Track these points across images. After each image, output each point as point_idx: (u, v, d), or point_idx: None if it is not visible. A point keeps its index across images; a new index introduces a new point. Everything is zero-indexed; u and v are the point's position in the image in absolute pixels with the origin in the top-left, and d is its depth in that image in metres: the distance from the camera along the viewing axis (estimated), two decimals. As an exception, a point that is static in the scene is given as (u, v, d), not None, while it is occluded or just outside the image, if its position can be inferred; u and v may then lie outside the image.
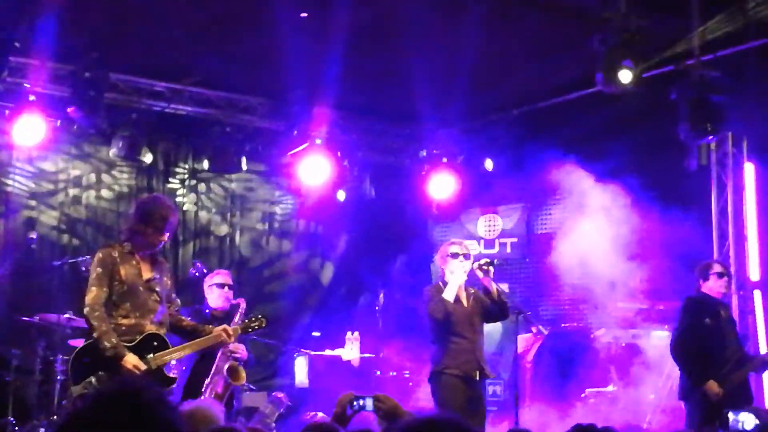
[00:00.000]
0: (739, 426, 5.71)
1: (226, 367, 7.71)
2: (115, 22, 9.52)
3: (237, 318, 7.73)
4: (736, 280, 10.00)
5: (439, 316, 7.94)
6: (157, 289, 6.70)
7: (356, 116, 12.23)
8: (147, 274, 6.70)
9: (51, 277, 10.22)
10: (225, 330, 6.87)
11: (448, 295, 7.98)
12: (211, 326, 7.02)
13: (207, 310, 8.46)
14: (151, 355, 6.49)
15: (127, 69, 10.84)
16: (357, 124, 12.39)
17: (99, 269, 6.55)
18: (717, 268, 8.45)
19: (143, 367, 6.38)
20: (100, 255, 6.64)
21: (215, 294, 8.49)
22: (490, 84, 10.62)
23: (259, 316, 7.19)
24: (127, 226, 6.86)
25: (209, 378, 7.69)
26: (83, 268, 9.38)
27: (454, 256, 8.15)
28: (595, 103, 10.42)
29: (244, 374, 7.79)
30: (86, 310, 6.47)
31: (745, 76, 9.71)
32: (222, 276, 8.65)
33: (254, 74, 10.96)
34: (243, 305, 7.94)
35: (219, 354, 7.69)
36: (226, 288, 8.50)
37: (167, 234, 6.78)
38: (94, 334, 6.38)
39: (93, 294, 6.48)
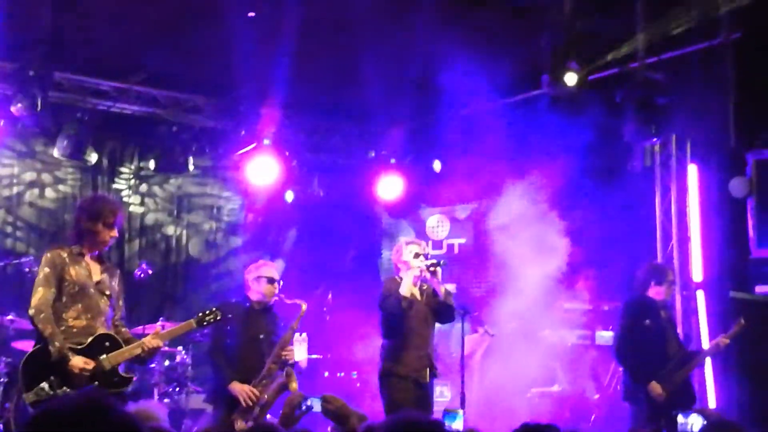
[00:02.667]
0: (688, 427, 5.79)
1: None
2: (60, 20, 9.40)
3: (295, 323, 7.79)
4: (680, 280, 10.12)
5: (395, 312, 7.92)
6: (107, 292, 6.61)
7: (305, 116, 12.19)
8: (97, 276, 6.59)
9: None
10: (155, 335, 6.70)
11: (404, 290, 7.94)
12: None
13: (247, 303, 8.06)
14: (104, 355, 6.38)
15: (72, 67, 10.71)
16: (305, 124, 12.36)
17: (47, 269, 6.43)
18: (671, 276, 8.60)
19: (90, 367, 6.27)
20: (49, 255, 6.52)
21: (262, 287, 8.01)
22: (438, 84, 10.63)
23: (214, 309, 7.08)
24: (75, 228, 6.73)
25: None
26: (26, 269, 9.27)
27: (416, 256, 8.13)
28: (540, 104, 10.49)
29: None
30: (31, 312, 6.33)
31: (689, 78, 9.82)
32: (271, 269, 8.19)
33: (201, 73, 10.89)
34: (304, 308, 7.87)
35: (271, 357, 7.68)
36: (275, 284, 8.21)
37: (116, 234, 6.70)
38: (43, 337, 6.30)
39: (39, 295, 6.35)
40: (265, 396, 7.51)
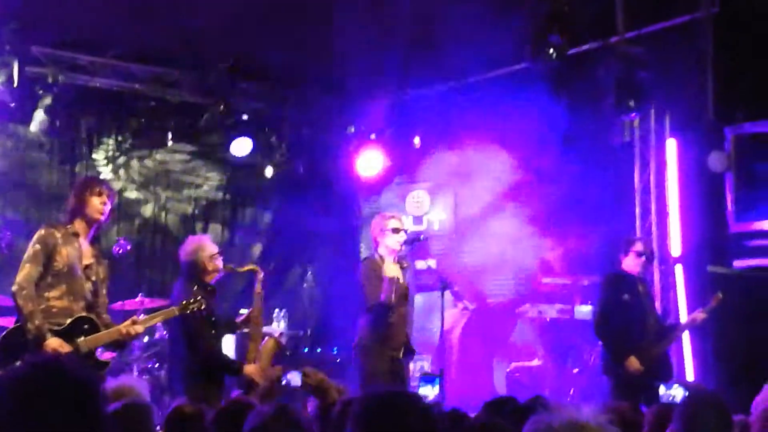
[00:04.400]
0: (670, 398, 5.83)
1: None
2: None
3: (257, 287, 7.56)
4: (659, 255, 10.15)
5: (378, 295, 7.90)
6: (93, 278, 6.59)
7: (283, 90, 12.12)
8: (87, 259, 6.57)
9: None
10: (134, 321, 6.60)
11: (389, 272, 7.91)
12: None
13: (208, 288, 7.59)
14: (82, 338, 6.35)
15: (49, 41, 10.60)
16: (284, 99, 12.28)
17: (37, 246, 6.40)
18: (638, 246, 8.59)
19: (66, 349, 6.23)
20: (42, 232, 6.49)
21: (217, 263, 7.55)
22: (419, 57, 10.60)
23: (199, 298, 6.99)
24: (68, 209, 6.71)
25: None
26: (2, 245, 9.21)
27: (395, 231, 8.13)
28: (520, 78, 10.48)
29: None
30: (14, 287, 6.30)
31: (668, 52, 9.83)
32: (209, 244, 7.68)
33: (178, 47, 10.80)
34: (259, 273, 7.65)
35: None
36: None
37: (109, 201, 6.64)
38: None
39: (25, 272, 6.33)
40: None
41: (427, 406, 2.85)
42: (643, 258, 8.54)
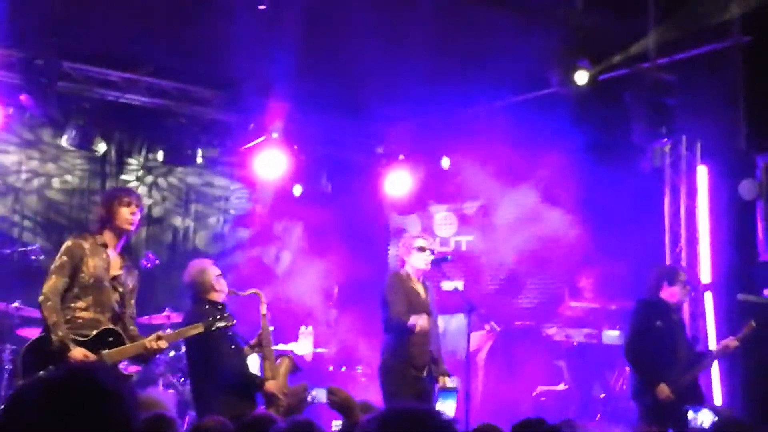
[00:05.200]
0: (698, 423, 5.78)
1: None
2: (69, 9, 9.37)
3: (262, 308, 7.64)
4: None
5: (401, 317, 7.89)
6: (120, 289, 6.58)
7: (314, 110, 12.15)
8: (115, 271, 6.57)
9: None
10: (159, 336, 6.59)
11: (410, 321, 7.91)
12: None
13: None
14: (106, 351, 6.34)
15: (81, 57, 10.69)
16: (314, 118, 12.31)
17: (64, 258, 6.41)
18: (683, 276, 8.56)
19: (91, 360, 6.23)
20: (70, 243, 6.51)
21: (223, 285, 7.65)
22: (448, 80, 10.61)
23: (226, 315, 7.00)
24: (97, 220, 6.73)
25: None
26: (32, 257, 9.27)
27: (421, 249, 8.14)
28: (549, 102, 10.46)
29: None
30: (40, 298, 6.32)
31: (699, 80, 9.79)
32: (215, 267, 7.74)
33: (211, 65, 10.87)
34: (261, 295, 7.71)
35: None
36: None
37: (138, 211, 6.66)
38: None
39: (51, 283, 6.34)
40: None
41: (446, 422, 2.82)
42: (688, 288, 8.54)
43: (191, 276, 7.55)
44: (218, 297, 7.48)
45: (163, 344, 6.53)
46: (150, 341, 6.46)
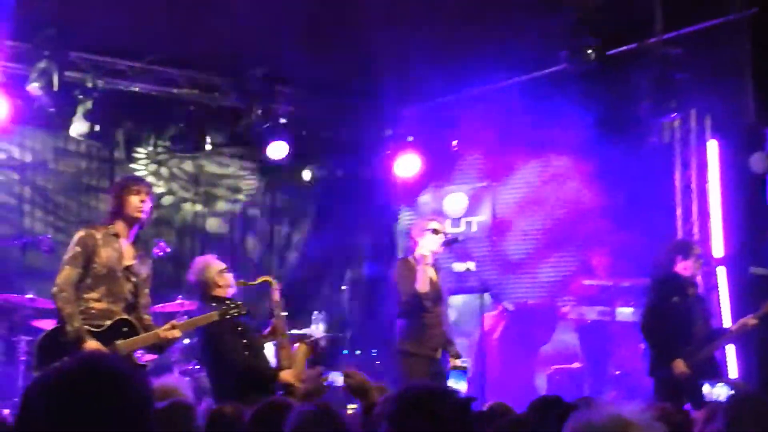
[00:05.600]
0: (714, 397, 5.78)
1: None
2: (75, -2, 9.39)
3: (275, 296, 7.60)
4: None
5: (411, 295, 7.93)
6: (134, 279, 6.58)
7: (321, 94, 12.14)
8: (128, 261, 6.55)
9: (11, 257, 10.09)
10: (173, 325, 6.59)
11: (422, 285, 7.94)
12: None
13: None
14: (121, 341, 6.35)
15: (88, 47, 10.68)
16: (322, 102, 12.30)
17: (77, 248, 6.39)
18: (697, 250, 8.54)
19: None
20: (82, 234, 6.49)
21: (229, 280, 7.59)
22: (455, 61, 10.58)
23: (239, 303, 6.99)
24: (109, 211, 6.71)
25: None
26: (44, 248, 9.29)
27: (435, 232, 8.15)
28: (557, 80, 10.43)
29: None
30: (54, 289, 6.31)
31: (707, 53, 9.75)
32: (219, 262, 7.71)
33: (218, 52, 10.85)
34: (272, 282, 7.68)
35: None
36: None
37: (149, 199, 6.64)
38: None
39: (64, 274, 6.32)
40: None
41: (462, 401, 2.83)
42: (701, 261, 8.52)
43: (194, 274, 7.56)
44: (223, 293, 7.45)
45: (177, 333, 6.53)
46: (164, 330, 6.46)
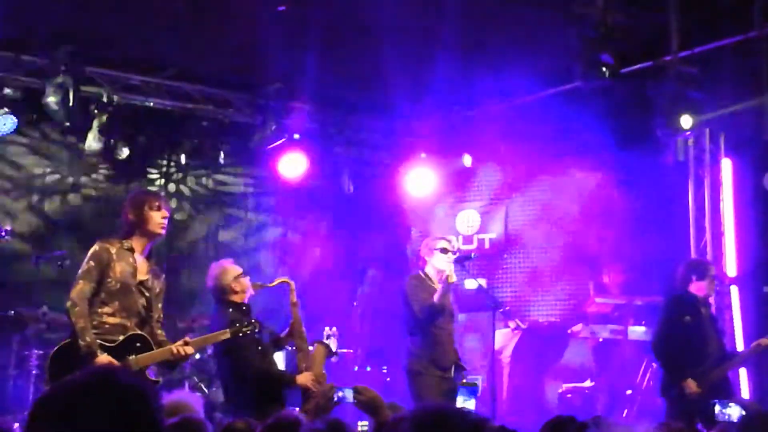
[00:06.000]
0: (726, 417, 5.75)
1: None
2: (90, 14, 9.44)
3: (292, 296, 7.63)
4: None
5: (423, 310, 7.93)
6: (147, 293, 6.56)
7: (334, 110, 12.17)
8: (142, 275, 6.52)
9: (25, 271, 10.12)
10: (186, 342, 6.55)
11: (436, 296, 7.94)
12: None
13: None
14: (134, 356, 6.35)
15: (103, 62, 10.74)
16: (335, 119, 12.33)
17: (91, 263, 6.37)
18: (713, 271, 8.50)
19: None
20: (97, 248, 6.45)
21: (245, 285, 7.59)
22: (468, 78, 10.59)
23: (253, 321, 6.97)
24: (124, 225, 6.66)
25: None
26: (58, 263, 9.31)
27: (443, 251, 8.14)
28: (572, 97, 10.43)
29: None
30: (68, 303, 6.28)
31: (722, 71, 9.74)
32: (236, 266, 7.69)
33: (232, 67, 10.90)
34: (291, 283, 7.70)
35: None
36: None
37: (167, 214, 6.62)
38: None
39: (78, 288, 6.29)
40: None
41: (478, 422, 2.82)
42: (716, 282, 8.49)
43: (211, 279, 7.57)
44: (239, 298, 7.47)
45: (189, 350, 6.52)
46: (177, 347, 6.45)
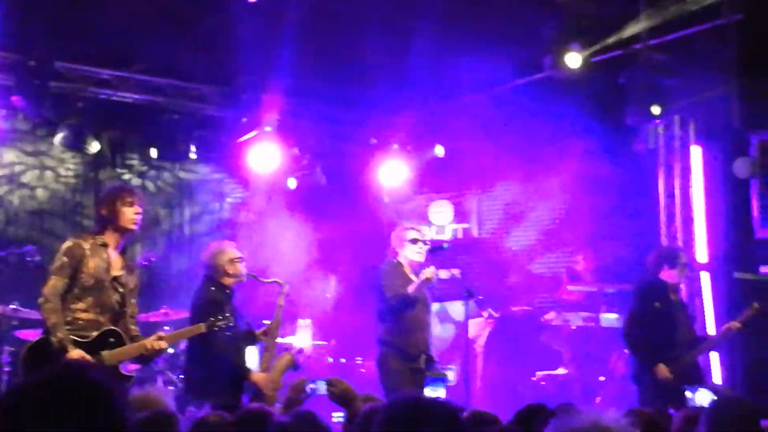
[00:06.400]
0: (696, 402, 5.80)
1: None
2: (60, 9, 9.37)
3: (280, 299, 7.65)
4: (684, 262, 10.10)
5: (401, 291, 7.92)
6: (121, 289, 6.54)
7: (307, 103, 12.14)
8: (116, 271, 6.49)
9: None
10: (159, 336, 6.59)
11: (411, 288, 7.94)
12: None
13: (227, 290, 7.65)
14: (107, 352, 6.32)
15: (73, 56, 10.66)
16: (307, 111, 12.30)
17: (64, 258, 6.34)
18: (684, 258, 8.56)
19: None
20: (70, 244, 6.42)
21: (240, 268, 7.59)
22: (440, 70, 10.60)
23: (227, 315, 6.98)
24: (98, 220, 6.66)
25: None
26: (28, 258, 9.26)
27: (414, 242, 8.14)
28: (545, 87, 10.46)
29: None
30: (40, 300, 6.27)
31: (692, 59, 9.79)
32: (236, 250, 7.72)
33: (203, 61, 10.84)
34: (285, 286, 7.73)
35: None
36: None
37: (140, 210, 6.58)
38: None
39: (51, 284, 6.27)
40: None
41: (452, 412, 2.83)
42: (687, 269, 8.55)
43: (206, 256, 7.61)
44: (229, 281, 7.50)
45: (163, 345, 6.53)
46: (151, 341, 6.46)
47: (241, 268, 7.59)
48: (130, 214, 6.52)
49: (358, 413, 4.58)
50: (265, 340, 7.63)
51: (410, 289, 7.91)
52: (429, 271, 7.84)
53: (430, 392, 7.40)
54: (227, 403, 6.94)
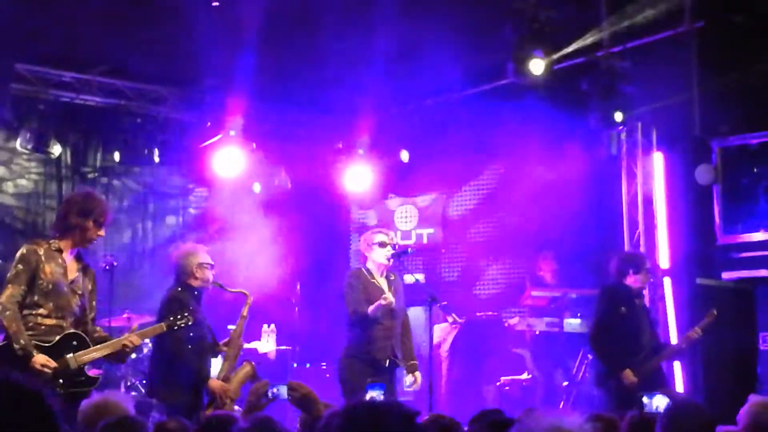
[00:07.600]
0: (653, 408, 5.85)
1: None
2: (21, 10, 9.28)
3: (244, 310, 7.67)
4: (647, 267, 10.16)
5: (360, 309, 7.93)
6: (80, 291, 6.48)
7: (271, 107, 12.10)
8: (72, 274, 6.45)
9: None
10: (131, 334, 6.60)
11: (370, 309, 7.93)
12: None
13: (196, 291, 7.55)
14: (71, 354, 6.30)
15: (34, 59, 10.58)
16: (272, 115, 12.26)
17: (20, 266, 6.28)
18: (648, 263, 8.61)
19: (53, 365, 6.15)
20: (24, 251, 6.35)
21: (207, 273, 7.54)
22: (404, 73, 10.62)
23: (186, 315, 6.97)
24: (61, 222, 6.54)
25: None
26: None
27: (382, 245, 8.15)
28: (507, 93, 10.50)
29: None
30: None
31: (654, 66, 9.87)
32: (208, 256, 7.68)
33: (166, 63, 10.80)
34: (249, 298, 7.74)
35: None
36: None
37: (102, 234, 6.54)
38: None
39: (8, 293, 6.22)
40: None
41: (409, 415, 2.82)
42: (650, 275, 8.61)
43: (176, 256, 7.61)
44: (196, 284, 7.49)
45: (137, 341, 6.57)
46: (126, 338, 6.49)
47: (209, 274, 7.56)
48: (93, 234, 6.48)
49: (318, 418, 4.57)
50: (226, 350, 7.61)
51: (369, 310, 7.92)
52: (388, 297, 7.89)
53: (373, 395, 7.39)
54: (188, 407, 6.97)
